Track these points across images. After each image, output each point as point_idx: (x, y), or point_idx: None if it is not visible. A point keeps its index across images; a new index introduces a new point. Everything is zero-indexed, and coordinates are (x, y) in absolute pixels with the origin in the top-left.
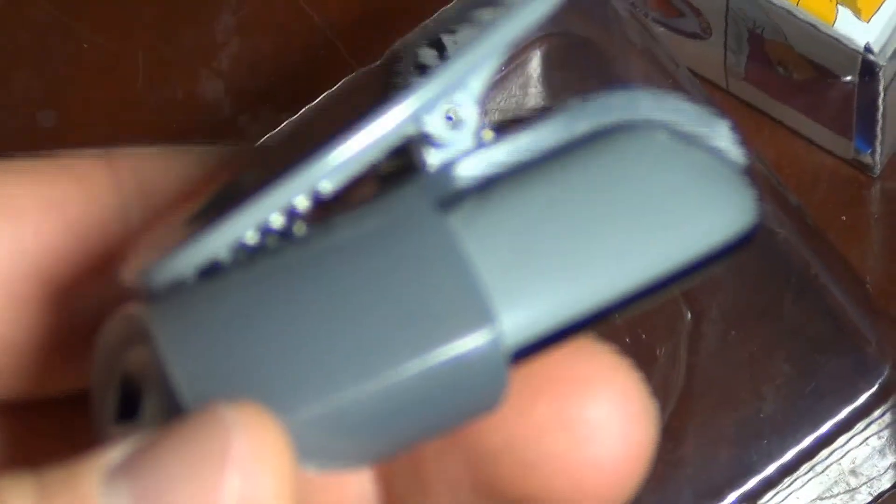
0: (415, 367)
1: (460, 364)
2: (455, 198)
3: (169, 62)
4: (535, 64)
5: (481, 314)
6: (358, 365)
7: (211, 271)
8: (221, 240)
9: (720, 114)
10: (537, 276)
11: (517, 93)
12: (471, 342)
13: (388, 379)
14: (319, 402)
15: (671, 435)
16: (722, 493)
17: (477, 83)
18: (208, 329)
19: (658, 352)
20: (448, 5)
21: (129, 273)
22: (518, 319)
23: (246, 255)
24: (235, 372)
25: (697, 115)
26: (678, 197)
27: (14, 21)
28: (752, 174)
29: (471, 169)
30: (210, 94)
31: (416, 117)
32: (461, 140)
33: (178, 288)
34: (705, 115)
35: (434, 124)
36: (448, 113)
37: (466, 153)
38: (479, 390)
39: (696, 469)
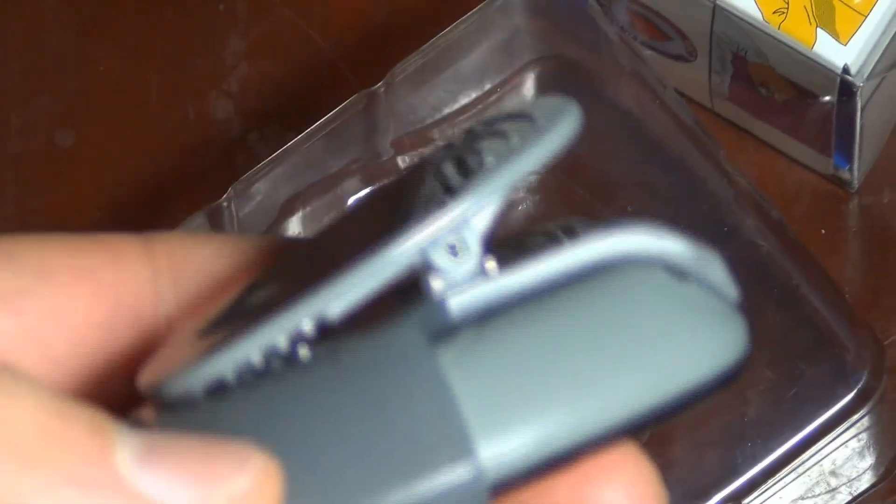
0: (398, 497)
1: (442, 495)
2: (452, 329)
3: (181, 84)
4: (528, 86)
5: (462, 450)
6: (345, 492)
7: (218, 388)
8: (227, 363)
9: (712, 251)
10: (520, 414)
11: None
12: (452, 475)
13: None
14: None
15: (660, 438)
16: (708, 494)
17: (480, 221)
18: None
19: None
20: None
21: (144, 380)
22: (498, 455)
23: (252, 375)
24: None
25: (691, 251)
26: (669, 337)
27: (34, 48)
28: (742, 308)
29: (470, 301)
30: (220, 114)
31: (420, 252)
32: (464, 272)
33: (186, 402)
34: (699, 251)
35: (438, 257)
36: (452, 247)
37: (467, 285)
38: None
39: (683, 471)
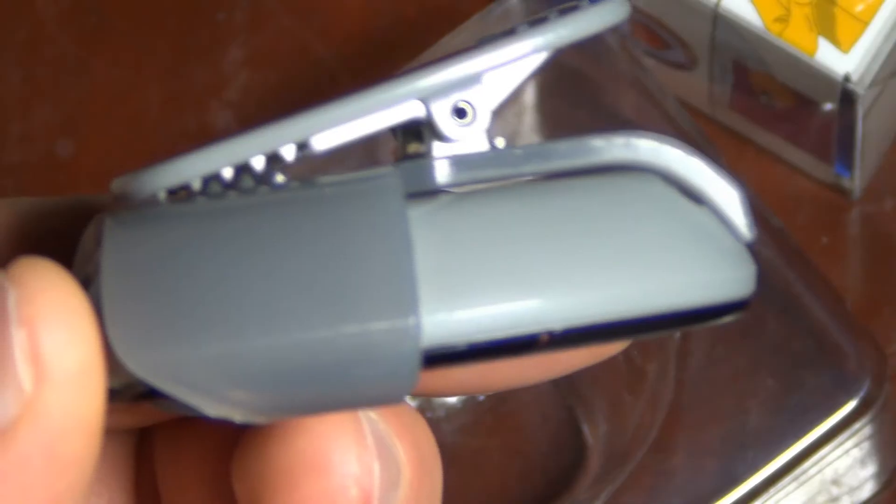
0: (323, 334)
1: (369, 345)
2: (434, 192)
3: (181, 93)
4: (530, 93)
5: (405, 304)
6: (270, 317)
7: (182, 194)
8: (196, 168)
9: (735, 181)
10: (477, 286)
11: (513, 121)
12: (384, 327)
13: (294, 339)
14: (225, 343)
15: (661, 447)
16: (709, 503)
17: (495, 84)
18: (149, 245)
19: (648, 369)
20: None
21: (116, 184)
22: (440, 322)
23: (219, 187)
24: (159, 291)
25: (712, 180)
26: (654, 247)
27: (34, 57)
28: (755, 250)
29: (465, 169)
30: (220, 123)
31: (421, 98)
32: (468, 139)
33: (149, 203)
34: (720, 182)
35: (441, 113)
36: (460, 110)
37: (464, 152)
38: (385, 378)
39: (684, 480)
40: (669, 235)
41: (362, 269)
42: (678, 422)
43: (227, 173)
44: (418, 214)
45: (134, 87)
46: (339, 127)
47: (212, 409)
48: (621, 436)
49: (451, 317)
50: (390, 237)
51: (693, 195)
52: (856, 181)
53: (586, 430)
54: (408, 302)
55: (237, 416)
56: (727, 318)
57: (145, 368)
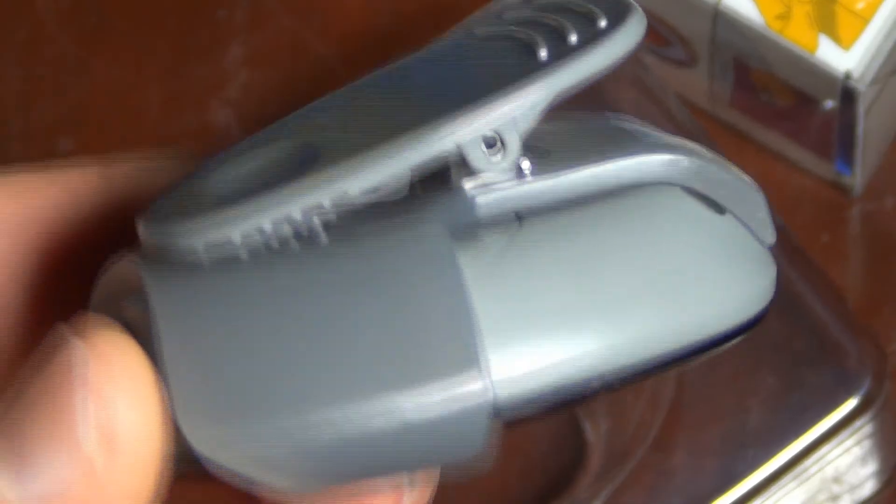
0: (395, 401)
1: (444, 407)
2: (477, 227)
3: (181, 92)
4: None
5: (471, 363)
6: (338, 385)
7: (224, 249)
8: (235, 225)
9: (757, 188)
10: (535, 335)
11: None
12: (458, 387)
13: (362, 408)
14: (296, 414)
15: (661, 446)
16: (709, 502)
17: (525, 120)
18: (207, 316)
19: None
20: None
21: (146, 225)
22: (508, 374)
23: (260, 240)
24: (224, 367)
25: (735, 186)
26: (695, 274)
27: (34, 57)
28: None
29: (500, 201)
30: (221, 123)
31: (455, 144)
32: (498, 171)
33: (188, 256)
34: (743, 187)
35: (473, 152)
36: (489, 141)
37: (499, 185)
38: (459, 438)
39: (684, 478)
40: (708, 263)
41: (426, 330)
42: (679, 420)
43: (267, 225)
44: (469, 260)
45: (134, 87)
46: (374, 175)
47: (279, 483)
48: (622, 434)
49: (516, 368)
50: (448, 295)
51: (716, 204)
52: (856, 179)
53: (587, 428)
54: (472, 360)
55: (302, 489)
56: (756, 327)
57: (215, 449)
